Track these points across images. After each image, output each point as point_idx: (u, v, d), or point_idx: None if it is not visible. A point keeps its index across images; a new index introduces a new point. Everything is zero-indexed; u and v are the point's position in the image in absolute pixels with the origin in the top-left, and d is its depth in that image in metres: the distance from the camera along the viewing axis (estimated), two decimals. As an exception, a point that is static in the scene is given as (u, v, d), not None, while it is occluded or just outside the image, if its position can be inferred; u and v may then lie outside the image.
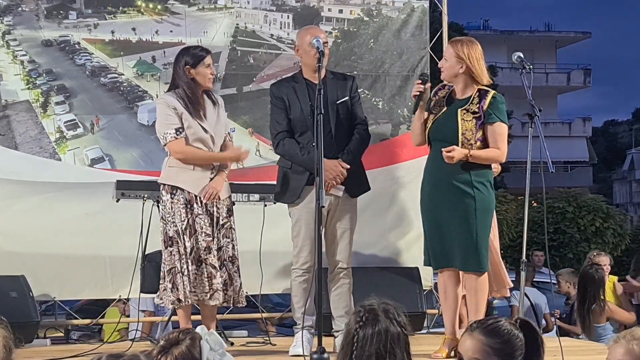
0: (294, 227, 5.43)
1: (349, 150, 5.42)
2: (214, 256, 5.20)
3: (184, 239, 5.17)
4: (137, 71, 6.97)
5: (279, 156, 5.53)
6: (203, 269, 5.20)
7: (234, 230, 5.35)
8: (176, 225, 5.18)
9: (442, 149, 5.08)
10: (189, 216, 5.19)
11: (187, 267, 5.15)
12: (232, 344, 6.05)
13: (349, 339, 2.91)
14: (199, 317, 5.42)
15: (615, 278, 8.54)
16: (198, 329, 2.78)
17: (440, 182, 5.23)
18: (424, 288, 6.87)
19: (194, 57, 5.27)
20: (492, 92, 5.22)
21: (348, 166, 5.35)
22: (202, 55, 5.27)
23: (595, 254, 8.20)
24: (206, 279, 5.19)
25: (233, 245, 5.32)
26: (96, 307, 7.66)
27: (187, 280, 5.15)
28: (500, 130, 5.17)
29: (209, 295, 5.21)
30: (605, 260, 8.01)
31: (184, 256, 5.16)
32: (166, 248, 5.23)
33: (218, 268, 5.20)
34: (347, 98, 5.48)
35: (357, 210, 5.58)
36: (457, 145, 5.12)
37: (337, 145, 5.38)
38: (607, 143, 54.76)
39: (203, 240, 5.18)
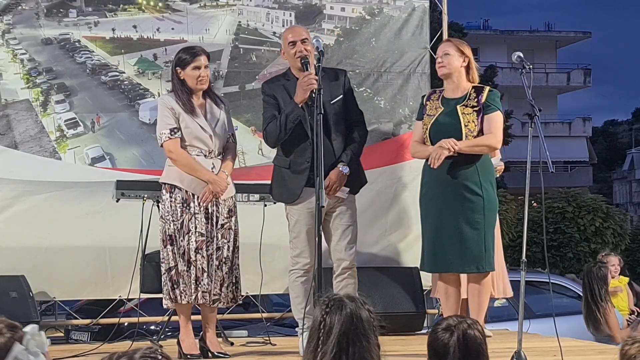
0: (294, 229, 5.39)
1: (351, 151, 5.37)
2: (203, 257, 5.16)
3: (178, 238, 5.17)
4: (138, 69, 6.95)
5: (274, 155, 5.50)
6: (191, 271, 5.15)
7: (233, 231, 5.31)
8: (175, 224, 5.19)
9: (434, 153, 5.12)
10: (184, 215, 5.18)
11: (182, 267, 5.15)
12: (232, 344, 6.05)
13: (315, 326, 2.78)
14: (199, 317, 5.41)
15: (626, 279, 8.54)
16: (28, 328, 2.58)
17: (448, 182, 5.22)
18: (424, 288, 6.86)
19: (180, 59, 5.27)
20: (487, 87, 5.38)
21: (347, 174, 5.32)
22: (186, 59, 5.23)
23: (604, 254, 8.27)
24: (193, 281, 5.15)
25: (228, 247, 5.27)
26: (96, 307, 7.65)
27: (183, 279, 5.16)
28: (496, 118, 5.27)
29: (194, 297, 5.16)
30: (614, 261, 8.07)
31: (179, 255, 5.16)
32: (165, 247, 5.22)
33: (206, 269, 5.16)
34: (341, 96, 5.42)
35: (358, 211, 5.55)
36: (462, 139, 5.19)
37: (337, 148, 5.34)
38: (607, 143, 54.84)
39: (194, 240, 5.16)
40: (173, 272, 5.18)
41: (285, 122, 5.25)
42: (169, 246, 5.20)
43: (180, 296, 5.17)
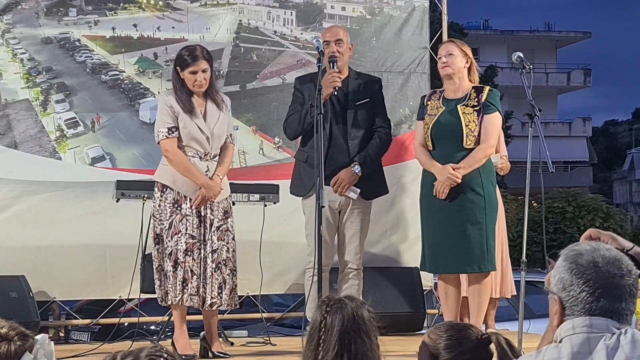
0: (307, 226, 5.45)
1: (367, 153, 5.45)
2: (194, 259, 5.11)
3: (165, 238, 5.15)
4: (139, 68, 6.94)
5: (288, 154, 5.52)
6: (178, 272, 5.10)
7: (230, 232, 5.27)
8: (162, 224, 5.17)
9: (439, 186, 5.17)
10: (174, 216, 5.14)
11: (167, 267, 5.13)
12: (232, 344, 6.04)
13: (315, 326, 2.77)
14: (199, 317, 5.40)
15: None
16: (38, 337, 2.49)
17: None
18: (424, 288, 6.86)
19: (179, 59, 5.23)
20: (487, 87, 5.41)
21: (359, 174, 5.37)
22: (186, 60, 5.18)
23: None
24: (179, 282, 5.10)
25: (227, 248, 5.22)
26: (96, 307, 7.64)
27: (169, 279, 5.12)
28: (493, 121, 5.28)
29: (178, 298, 5.10)
30: None
31: (166, 255, 5.14)
32: (155, 246, 5.21)
33: (197, 272, 5.11)
34: (367, 100, 5.53)
35: None
36: (462, 139, 5.22)
37: (352, 148, 5.42)
38: (607, 143, 54.83)
39: (184, 242, 5.10)
40: (160, 271, 5.18)
41: (304, 116, 5.38)
42: (156, 245, 5.20)
43: (166, 296, 5.16)
